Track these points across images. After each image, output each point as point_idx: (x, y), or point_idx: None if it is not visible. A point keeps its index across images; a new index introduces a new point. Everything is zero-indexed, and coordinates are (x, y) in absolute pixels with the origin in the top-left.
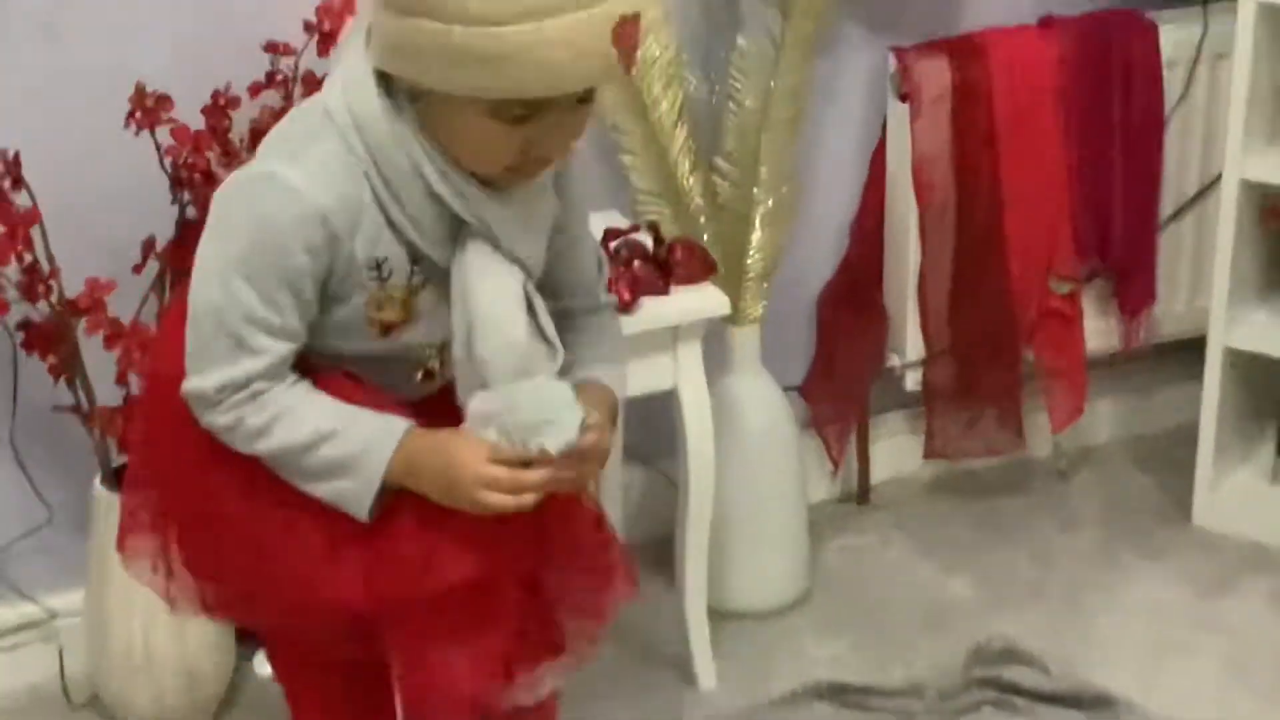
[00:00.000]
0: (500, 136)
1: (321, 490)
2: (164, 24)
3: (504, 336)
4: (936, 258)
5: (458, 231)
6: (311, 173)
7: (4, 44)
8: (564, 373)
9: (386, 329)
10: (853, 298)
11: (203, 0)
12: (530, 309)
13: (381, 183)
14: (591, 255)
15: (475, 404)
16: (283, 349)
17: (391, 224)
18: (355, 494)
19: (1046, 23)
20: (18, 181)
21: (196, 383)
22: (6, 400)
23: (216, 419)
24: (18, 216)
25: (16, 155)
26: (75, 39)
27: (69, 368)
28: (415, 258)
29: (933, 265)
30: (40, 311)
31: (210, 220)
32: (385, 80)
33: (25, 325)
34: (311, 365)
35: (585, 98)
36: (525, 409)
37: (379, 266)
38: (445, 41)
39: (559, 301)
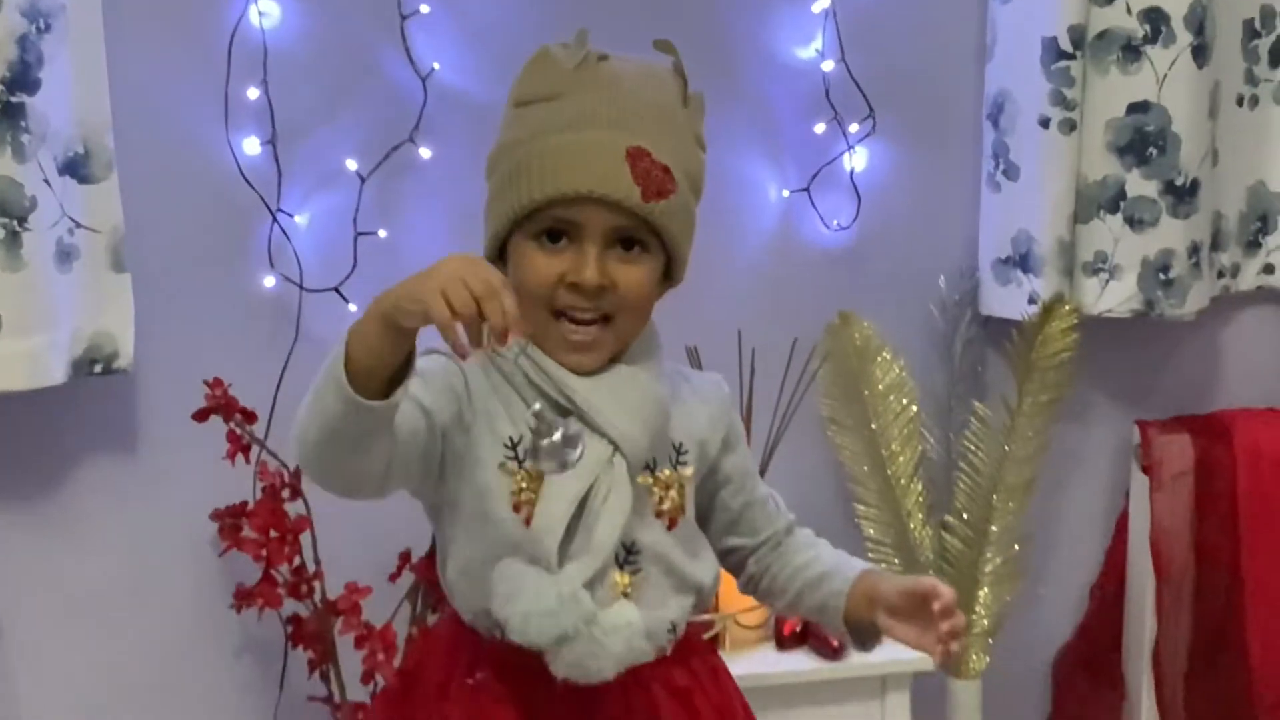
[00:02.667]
0: (540, 262)
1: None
2: None
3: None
4: (1173, 631)
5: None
6: None
7: (305, 373)
8: (815, 584)
9: (532, 519)
10: (1091, 662)
11: None
12: (586, 504)
13: (500, 378)
14: (766, 495)
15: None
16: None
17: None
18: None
19: None
20: (296, 492)
21: None
22: (275, 684)
23: None
24: (290, 524)
25: (297, 470)
26: None
27: (324, 662)
28: None
29: (1169, 638)
30: (305, 609)
31: None
32: None
33: (294, 620)
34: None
35: (628, 243)
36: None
37: (514, 446)
38: (496, 181)
39: (758, 536)
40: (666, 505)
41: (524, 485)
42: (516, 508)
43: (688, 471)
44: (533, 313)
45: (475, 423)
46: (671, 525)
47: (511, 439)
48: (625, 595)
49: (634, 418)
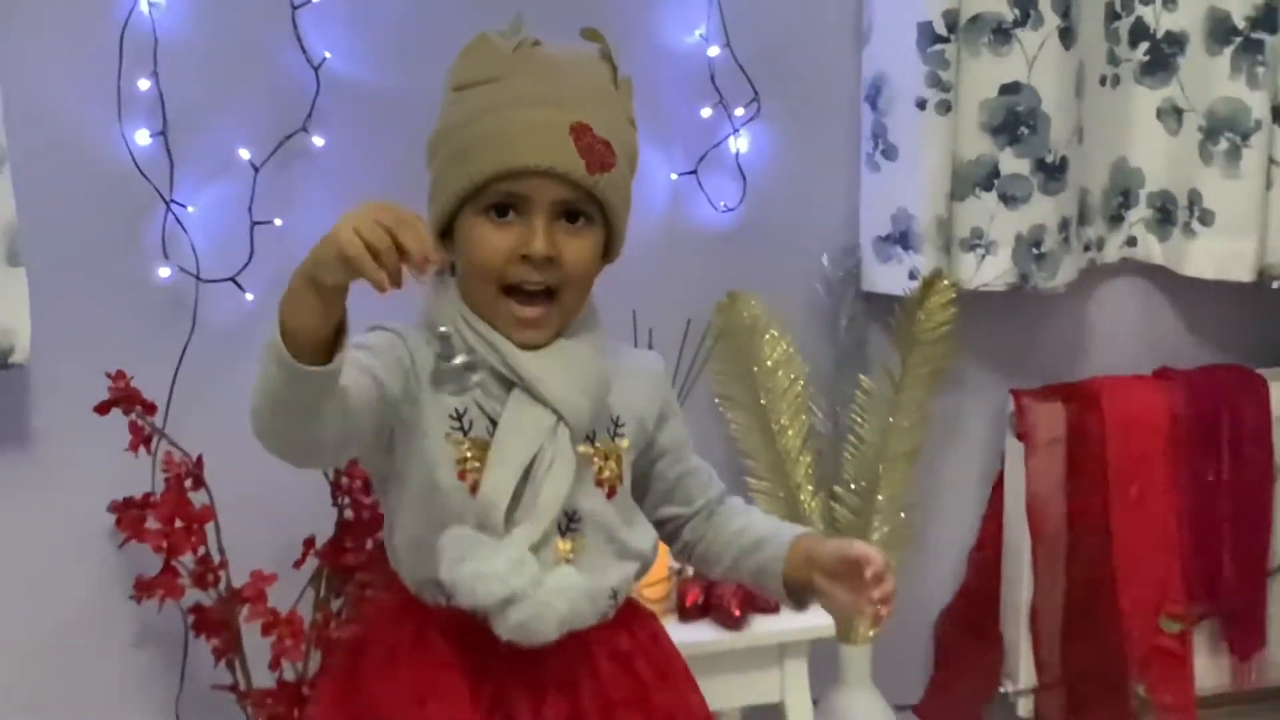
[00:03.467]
0: (489, 237)
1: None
2: None
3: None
4: (1049, 590)
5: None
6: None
7: (203, 363)
8: (752, 549)
9: (476, 488)
10: (970, 623)
11: (364, 328)
12: (531, 471)
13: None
14: (699, 465)
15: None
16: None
17: None
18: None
19: (1161, 374)
20: (199, 482)
21: None
22: (176, 675)
23: None
24: (195, 514)
25: (199, 459)
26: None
27: (230, 650)
28: (493, 421)
29: (1045, 597)
30: (209, 598)
31: None
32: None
33: (196, 609)
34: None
35: (573, 215)
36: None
37: (459, 417)
38: (441, 160)
39: (693, 505)
40: (606, 474)
41: (469, 455)
42: (462, 476)
43: (624, 443)
44: (483, 289)
45: (421, 394)
46: (611, 494)
47: (457, 410)
48: (567, 561)
49: (576, 389)
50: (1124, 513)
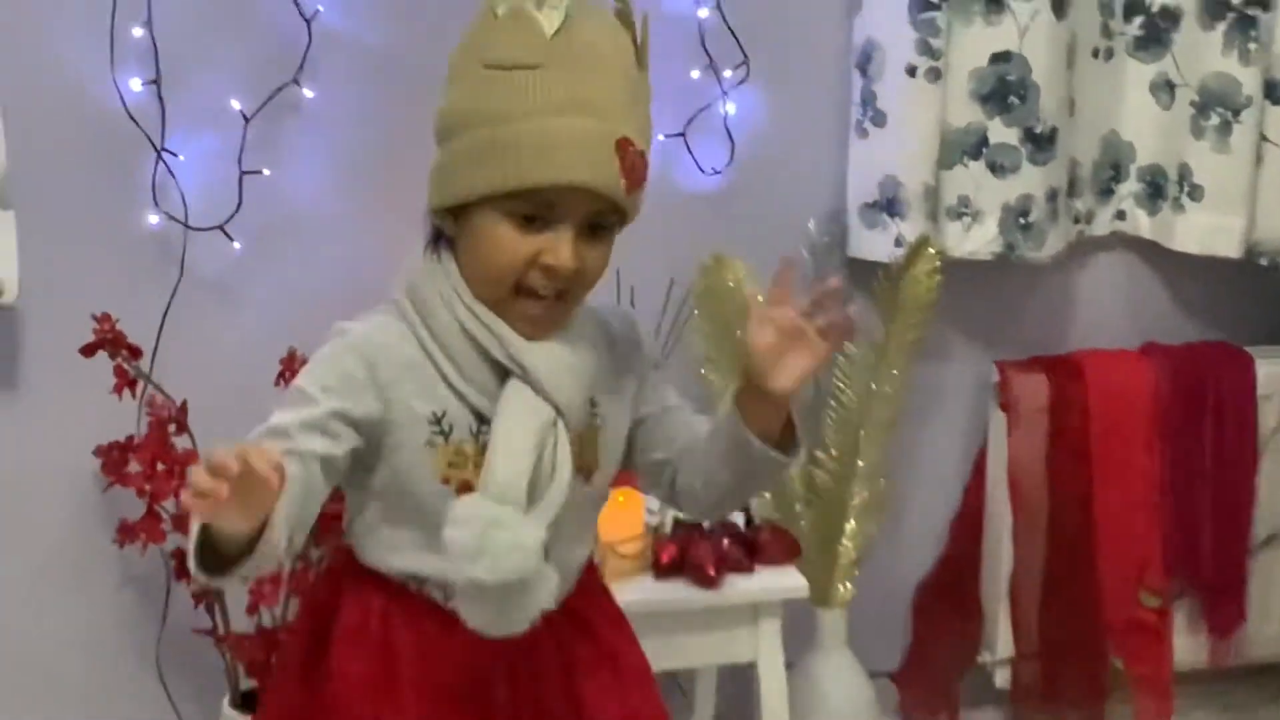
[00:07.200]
0: (513, 241)
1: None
2: (320, 297)
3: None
4: (1029, 562)
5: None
6: (366, 325)
7: (189, 310)
8: (713, 432)
9: (465, 488)
10: (950, 592)
11: (349, 279)
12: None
13: (429, 336)
14: (680, 405)
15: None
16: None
17: (446, 379)
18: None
19: (1147, 349)
20: (183, 427)
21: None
22: (158, 619)
23: None
24: (178, 457)
25: (184, 404)
26: (245, 308)
27: (209, 595)
28: (479, 415)
29: (1025, 568)
30: None
31: None
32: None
33: (178, 554)
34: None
35: (596, 226)
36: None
37: (439, 420)
38: (470, 145)
39: (675, 445)
40: (584, 459)
41: (453, 458)
42: (446, 480)
43: (598, 424)
44: (493, 287)
45: (391, 407)
46: (587, 479)
47: (434, 413)
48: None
49: (575, 385)
50: (1106, 486)
